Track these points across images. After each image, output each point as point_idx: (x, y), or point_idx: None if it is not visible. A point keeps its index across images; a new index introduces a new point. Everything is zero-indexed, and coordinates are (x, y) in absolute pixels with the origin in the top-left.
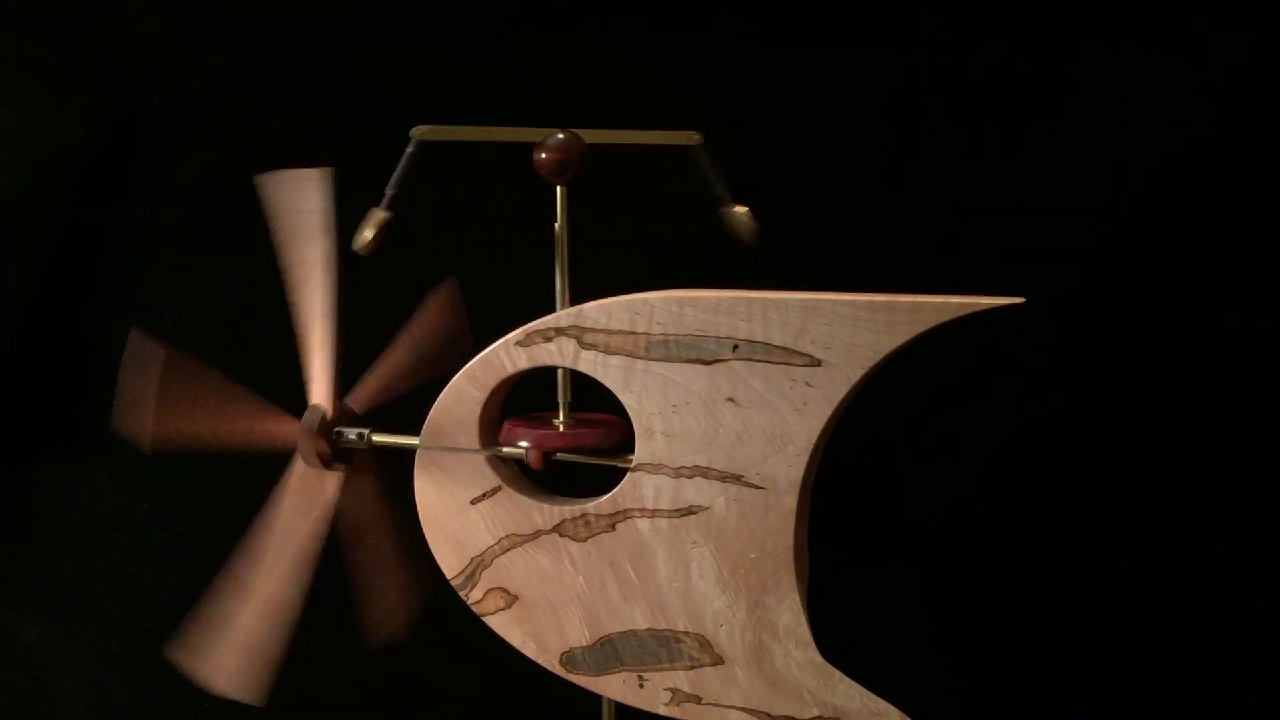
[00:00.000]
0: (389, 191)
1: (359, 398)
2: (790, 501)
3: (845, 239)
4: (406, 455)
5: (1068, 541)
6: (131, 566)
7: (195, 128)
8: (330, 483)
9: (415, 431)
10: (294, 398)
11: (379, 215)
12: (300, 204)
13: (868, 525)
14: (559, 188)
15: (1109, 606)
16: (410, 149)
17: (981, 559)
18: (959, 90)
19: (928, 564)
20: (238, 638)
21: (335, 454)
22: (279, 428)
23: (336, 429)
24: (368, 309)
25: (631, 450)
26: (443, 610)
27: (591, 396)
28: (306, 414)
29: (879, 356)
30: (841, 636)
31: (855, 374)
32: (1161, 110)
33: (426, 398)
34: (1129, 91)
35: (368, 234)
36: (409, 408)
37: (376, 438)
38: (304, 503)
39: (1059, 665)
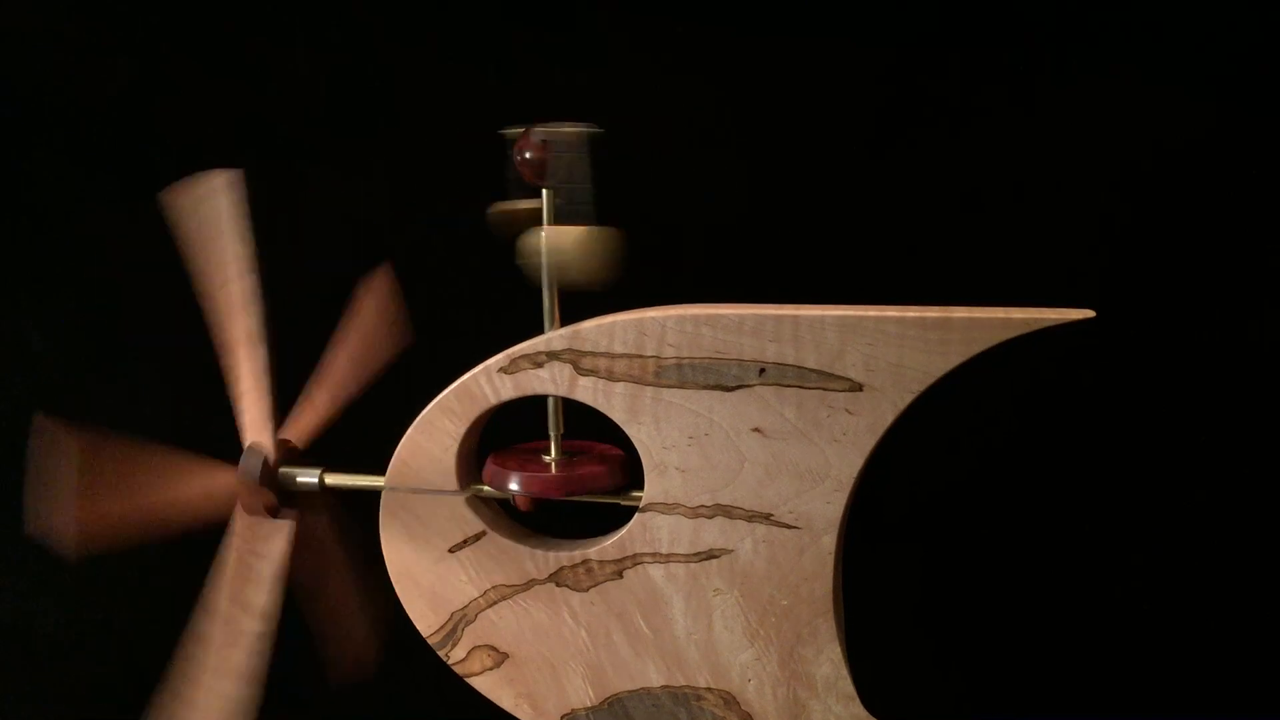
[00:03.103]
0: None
1: (300, 429)
2: (828, 542)
3: (843, 245)
4: (369, 496)
5: (1068, 544)
6: (8, 598)
7: (68, 118)
8: (280, 535)
9: (377, 469)
10: (196, 431)
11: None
12: (209, 215)
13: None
14: (545, 191)
15: (1112, 610)
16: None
17: (982, 563)
18: (956, 89)
19: (925, 566)
20: None
21: (283, 500)
22: (216, 481)
23: (282, 472)
24: (315, 327)
25: (639, 486)
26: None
27: (582, 421)
28: (244, 458)
29: (930, 380)
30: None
31: (902, 399)
32: (1168, 104)
33: (380, 424)
34: (1135, 86)
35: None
36: (362, 437)
37: (331, 479)
38: (252, 565)
39: (1066, 672)
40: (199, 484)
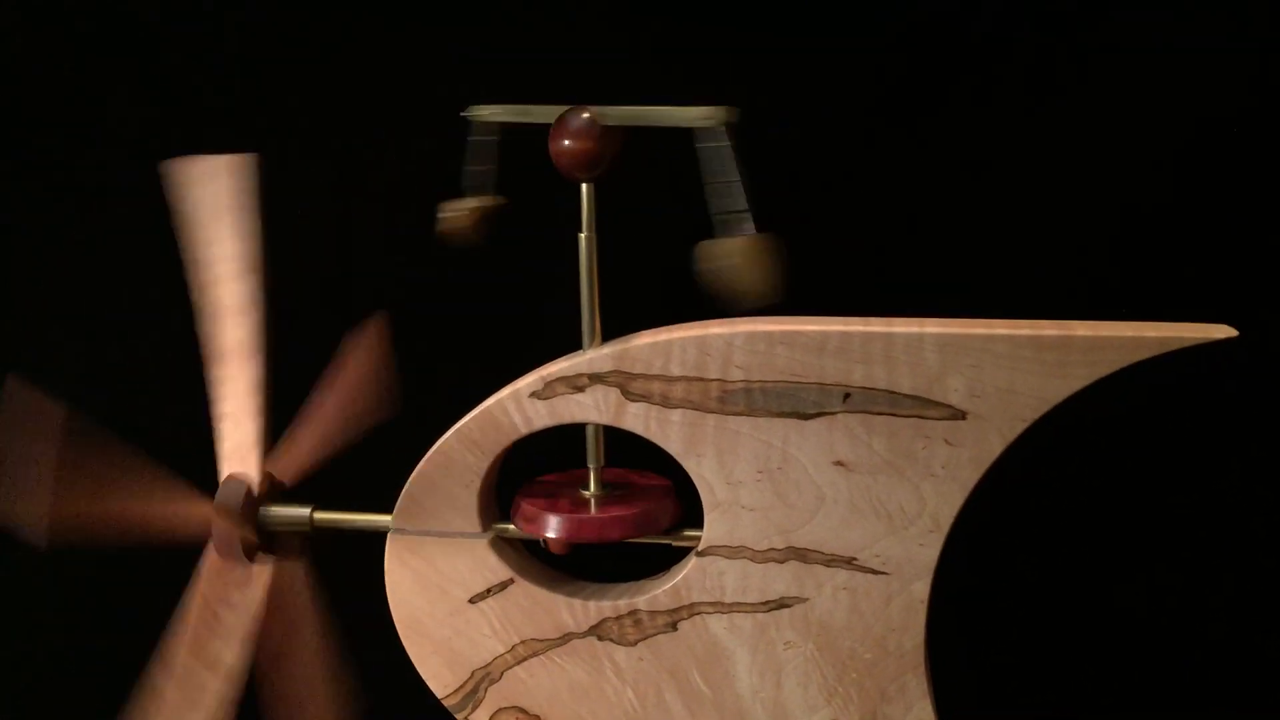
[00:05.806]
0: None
1: (286, 466)
2: (920, 589)
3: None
4: (362, 539)
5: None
6: None
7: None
8: (255, 582)
9: (377, 506)
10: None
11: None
12: (210, 201)
13: None
14: (585, 185)
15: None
16: (484, 136)
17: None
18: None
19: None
20: None
21: (263, 541)
22: (191, 511)
23: (264, 508)
24: (317, 347)
25: (693, 522)
26: None
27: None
28: (223, 489)
29: (1045, 406)
30: None
31: (1012, 429)
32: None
33: (377, 455)
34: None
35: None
36: (355, 469)
37: (323, 517)
38: (221, 615)
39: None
40: (171, 510)
